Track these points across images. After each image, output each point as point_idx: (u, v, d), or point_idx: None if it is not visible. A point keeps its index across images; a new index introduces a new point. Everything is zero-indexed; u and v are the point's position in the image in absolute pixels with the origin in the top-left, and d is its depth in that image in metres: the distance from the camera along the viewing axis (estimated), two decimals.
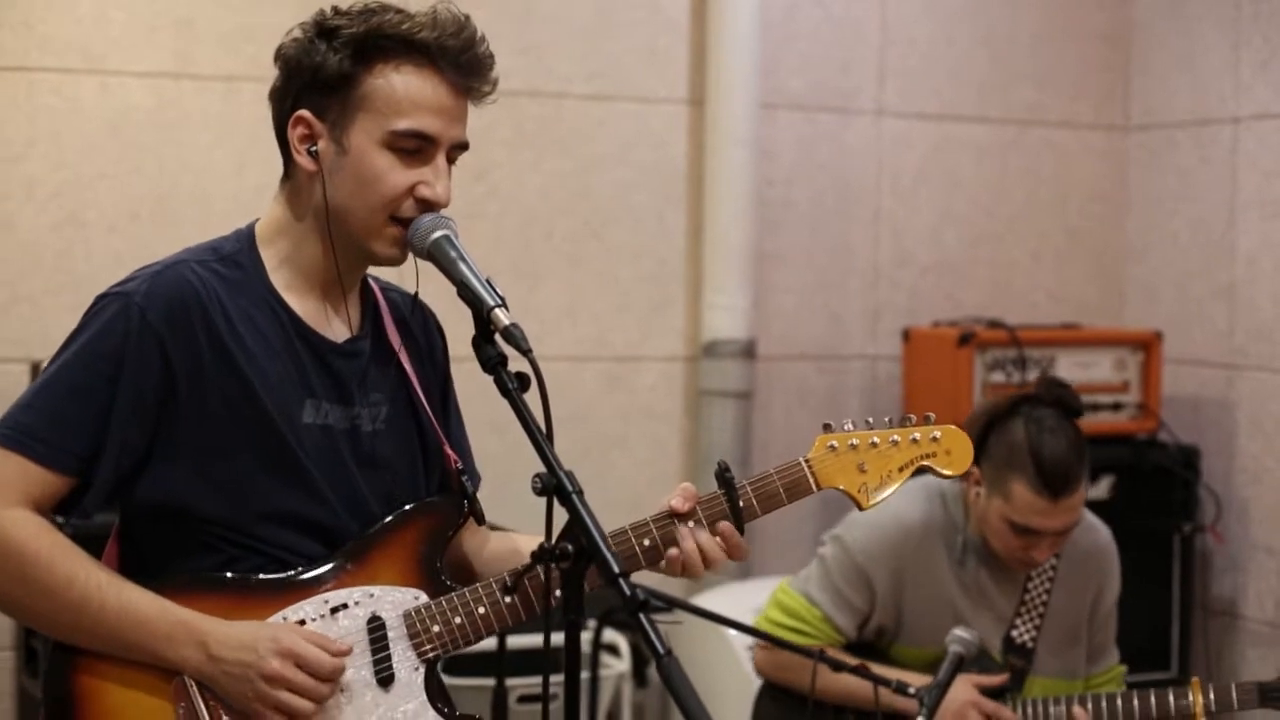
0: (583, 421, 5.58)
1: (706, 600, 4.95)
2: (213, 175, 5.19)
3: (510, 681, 4.02)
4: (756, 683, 4.33)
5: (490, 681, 3.96)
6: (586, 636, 4.96)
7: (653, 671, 5.49)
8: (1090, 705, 3.98)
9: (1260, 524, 5.78)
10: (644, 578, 2.62)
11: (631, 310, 5.72)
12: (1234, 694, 3.97)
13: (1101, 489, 5.47)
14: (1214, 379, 5.96)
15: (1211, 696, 3.95)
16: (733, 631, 5.04)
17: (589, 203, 5.66)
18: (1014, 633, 4.09)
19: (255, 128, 5.19)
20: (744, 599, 5.08)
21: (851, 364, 6.02)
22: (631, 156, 5.71)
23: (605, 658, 5.17)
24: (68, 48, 5.07)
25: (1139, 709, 3.97)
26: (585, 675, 4.75)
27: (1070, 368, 5.51)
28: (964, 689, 3.93)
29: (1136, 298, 6.30)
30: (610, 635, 5.20)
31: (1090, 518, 4.18)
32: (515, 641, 4.23)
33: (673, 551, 2.78)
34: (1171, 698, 3.97)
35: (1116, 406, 5.67)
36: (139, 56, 5.14)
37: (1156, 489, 5.63)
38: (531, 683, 4.68)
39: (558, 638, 2.42)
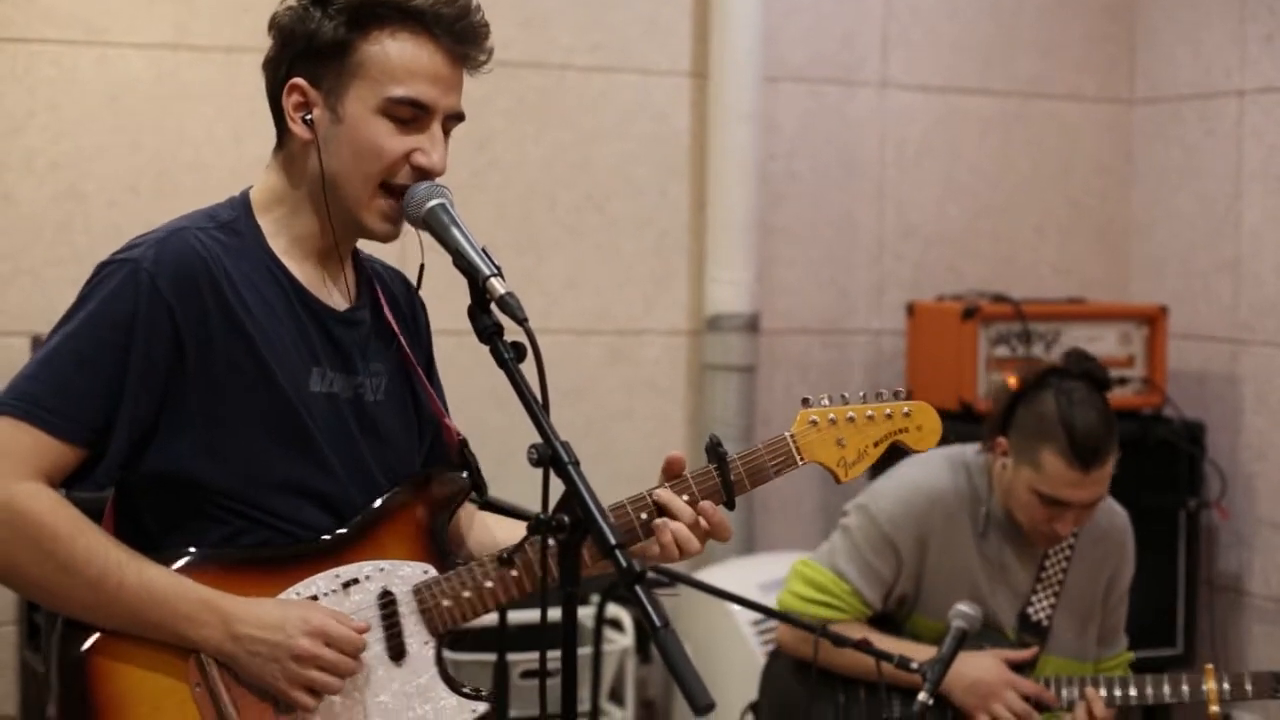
0: (586, 395, 5.56)
1: (710, 575, 4.94)
2: (212, 147, 5.17)
3: (512, 656, 4.00)
4: (759, 657, 4.32)
5: (492, 657, 3.94)
6: (589, 612, 4.94)
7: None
8: (1104, 688, 3.96)
9: (1266, 500, 5.76)
10: None
11: (634, 284, 5.70)
12: (1248, 683, 3.94)
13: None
14: (1219, 354, 5.93)
15: (1226, 685, 3.92)
16: (736, 606, 5.04)
17: (591, 175, 5.63)
18: (1030, 609, 4.07)
19: (254, 99, 5.09)
20: (748, 573, 5.08)
21: (855, 338, 5.99)
22: (634, 129, 5.68)
23: (609, 633, 5.16)
24: (68, 19, 5.04)
25: (1152, 693, 3.96)
26: (588, 650, 4.73)
27: (1075, 342, 5.47)
28: (996, 667, 3.93)
29: (1141, 272, 6.27)
30: (613, 610, 5.19)
31: (1110, 500, 4.16)
32: (516, 616, 4.22)
33: (654, 549, 2.78)
34: (1186, 685, 3.95)
35: (1122, 381, 5.64)
36: (138, 28, 5.11)
37: (1162, 464, 5.61)
38: (533, 658, 4.67)
39: (557, 612, 2.40)
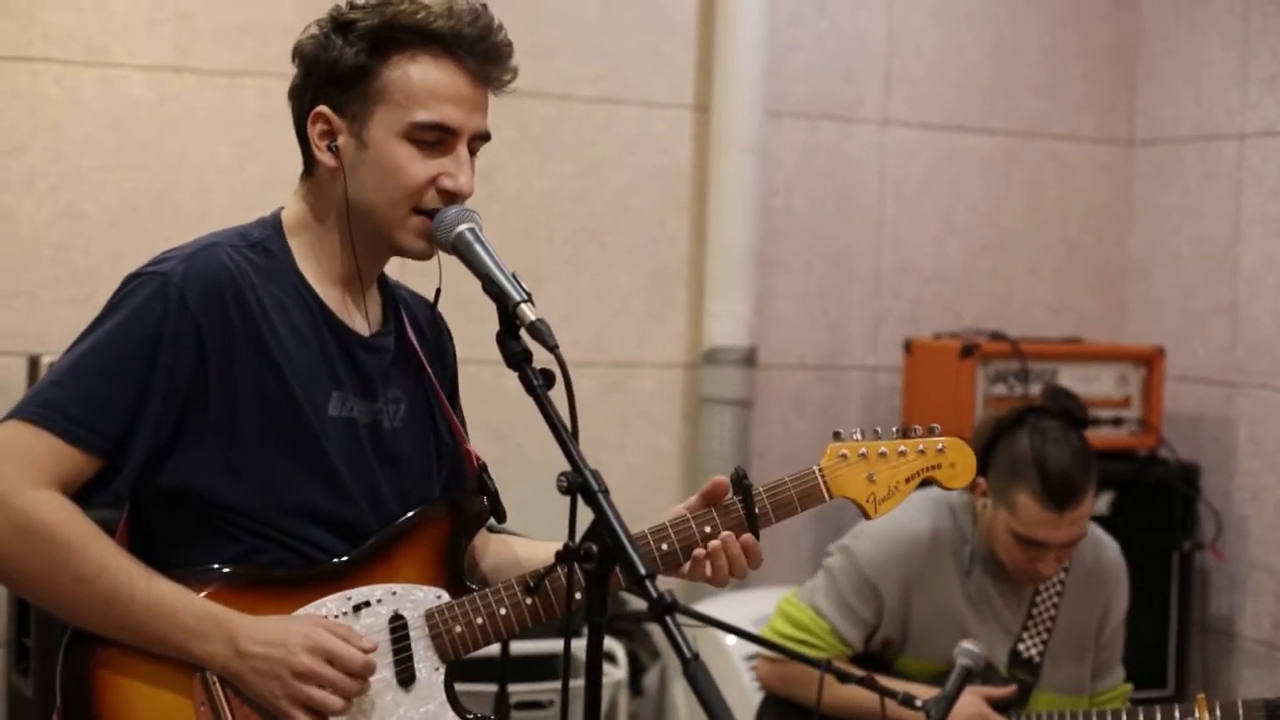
0: (580, 427, 5.51)
1: (704, 609, 4.89)
2: (213, 170, 5.14)
3: (512, 687, 3.97)
4: (754, 693, 4.30)
5: (492, 687, 3.91)
6: (582, 644, 4.91)
7: (648, 680, 5.45)
8: None
9: (1259, 542, 5.76)
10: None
11: (631, 315, 5.69)
12: (1240, 711, 3.93)
13: (1101, 505, 5.44)
14: (1215, 396, 5.93)
15: (1218, 715, 3.91)
16: (732, 641, 5.02)
17: (591, 206, 5.62)
18: (1020, 646, 4.06)
19: (257, 122, 5.18)
20: (740, 609, 5.04)
21: (851, 374, 5.99)
22: (635, 160, 5.67)
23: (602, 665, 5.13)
24: (70, 39, 5.02)
25: None
26: (580, 683, 4.69)
27: (1072, 382, 5.47)
28: (973, 701, 3.90)
29: (1138, 313, 6.28)
30: (607, 643, 5.16)
31: (1099, 533, 4.15)
32: (518, 647, 4.19)
33: (697, 572, 2.79)
34: (1178, 714, 3.93)
35: (1117, 422, 5.64)
36: (141, 49, 5.09)
37: (1156, 505, 5.61)
38: (532, 689, 4.65)
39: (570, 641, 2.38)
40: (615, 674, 5.17)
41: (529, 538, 3.01)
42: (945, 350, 5.57)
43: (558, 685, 2.38)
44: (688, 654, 2.19)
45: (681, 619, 2.24)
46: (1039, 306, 6.25)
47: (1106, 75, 6.31)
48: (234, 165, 5.13)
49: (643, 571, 2.25)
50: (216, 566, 2.64)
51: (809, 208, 5.92)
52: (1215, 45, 6.00)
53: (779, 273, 5.86)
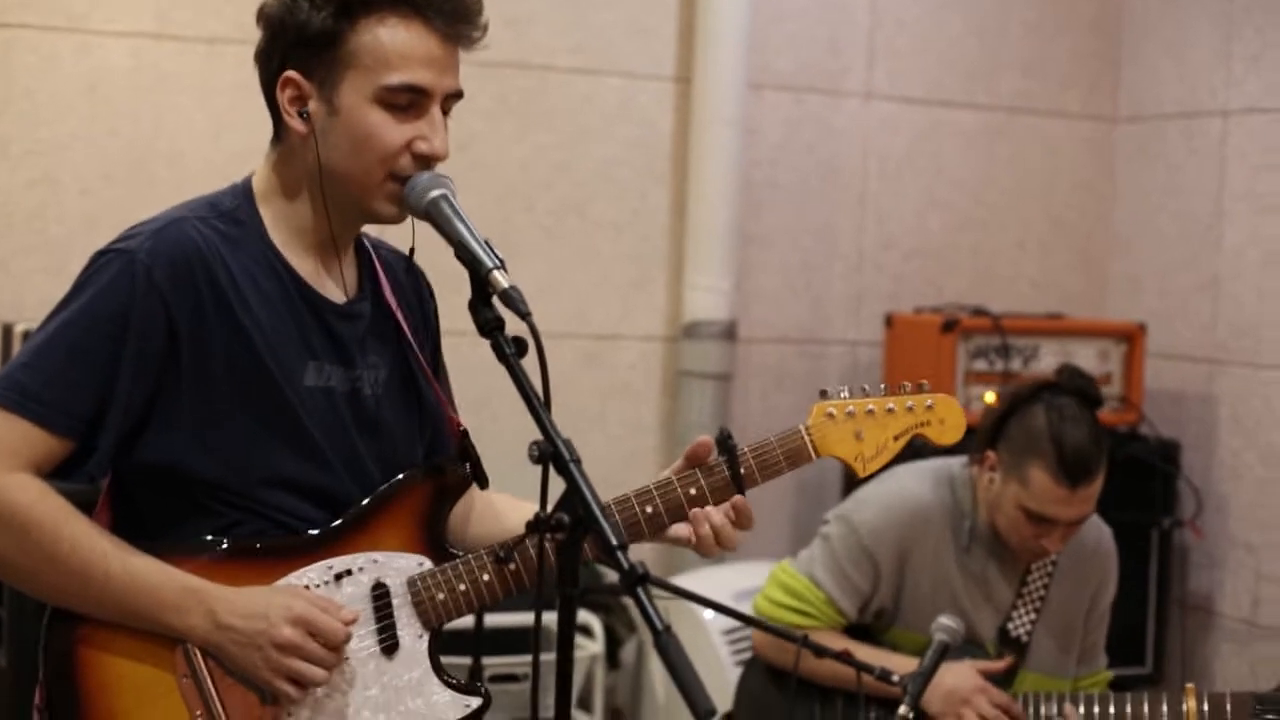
0: (559, 399, 5.40)
1: (682, 583, 4.88)
2: (189, 138, 5.10)
3: (487, 660, 3.95)
4: (732, 668, 4.29)
5: (467, 660, 3.89)
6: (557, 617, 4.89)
7: (625, 653, 5.43)
8: (1082, 705, 3.93)
9: (1238, 520, 5.75)
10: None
11: (612, 288, 5.66)
12: (1228, 704, 3.92)
13: None
14: (1196, 373, 5.92)
15: (1205, 706, 3.90)
16: (709, 616, 5.00)
17: (571, 178, 5.59)
18: (1010, 624, 4.04)
19: (234, 91, 5.13)
20: (720, 582, 5.03)
21: (832, 348, 5.96)
22: (616, 132, 5.64)
23: (578, 639, 5.12)
24: (48, 6, 4.98)
25: (1131, 711, 3.93)
26: (555, 657, 4.68)
27: (1054, 357, 5.45)
28: (969, 676, 3.90)
29: (1120, 289, 6.26)
30: (584, 616, 5.15)
31: (1094, 516, 4.14)
32: (493, 620, 4.17)
33: (683, 531, 2.75)
34: (1165, 703, 3.92)
35: None
36: (119, 16, 5.05)
37: (1136, 482, 5.58)
38: (506, 661, 4.62)
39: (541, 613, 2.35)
40: (591, 647, 5.15)
41: (519, 501, 2.97)
42: (926, 325, 5.55)
43: (544, 658, 2.37)
44: (659, 626, 2.15)
45: (655, 591, 2.21)
46: (1022, 282, 6.23)
47: (1091, 51, 6.29)
48: (211, 134, 5.09)
49: (613, 541, 2.21)
50: (196, 540, 2.62)
51: (791, 181, 5.89)
52: (1200, 22, 5.97)
53: (760, 246, 5.83)
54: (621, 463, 5.47)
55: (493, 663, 4.62)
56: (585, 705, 5.19)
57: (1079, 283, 6.31)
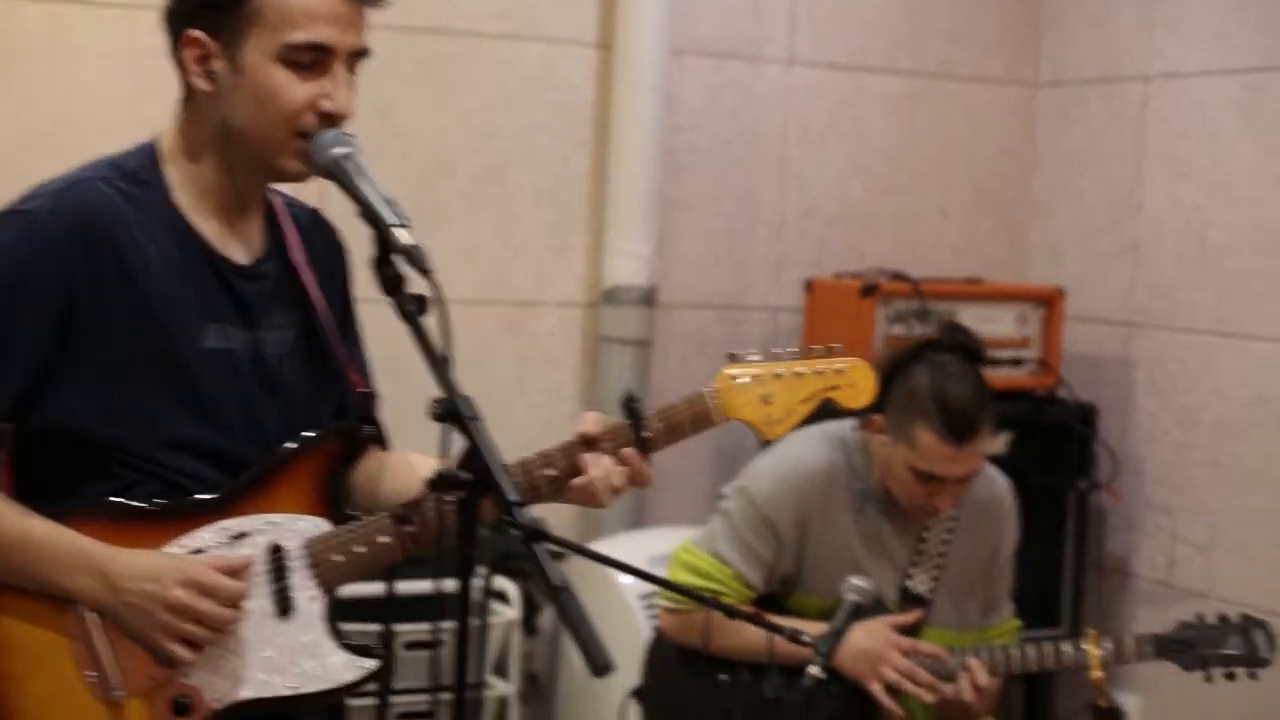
0: (480, 365, 5.50)
1: (599, 549, 4.89)
2: (107, 104, 5.05)
3: (399, 627, 3.94)
4: (647, 633, 4.30)
5: (377, 627, 3.88)
6: (476, 584, 4.89)
7: (543, 620, 5.43)
8: (986, 655, 3.97)
9: (1155, 483, 5.79)
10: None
11: (532, 254, 5.65)
12: (1130, 646, 3.97)
13: (999, 445, 5.44)
14: (1114, 337, 5.96)
15: (1108, 648, 3.95)
16: (626, 581, 5.00)
17: (492, 144, 5.57)
18: (910, 583, 4.07)
19: (153, 56, 5.01)
20: (637, 547, 5.04)
21: (753, 314, 5.97)
22: (537, 98, 5.62)
23: (495, 605, 5.12)
24: None
25: (1035, 659, 3.97)
26: (475, 623, 4.68)
27: (972, 322, 5.44)
28: (882, 633, 3.93)
29: (1041, 254, 6.29)
30: (501, 583, 5.15)
31: (990, 469, 4.16)
32: (409, 587, 4.16)
33: (577, 480, 2.73)
34: (1068, 649, 3.96)
35: (1017, 362, 5.65)
36: None
37: (1054, 445, 5.62)
38: (420, 629, 4.61)
39: (452, 581, 2.35)
40: (508, 614, 5.14)
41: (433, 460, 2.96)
42: (845, 290, 5.56)
43: (448, 624, 2.37)
44: (556, 583, 2.17)
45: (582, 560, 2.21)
46: (943, 248, 6.25)
47: (1014, 17, 6.30)
48: (127, 99, 5.04)
49: (510, 497, 2.22)
50: (92, 501, 2.62)
51: (713, 147, 5.89)
52: None
53: (681, 212, 5.83)
54: (541, 429, 5.37)
55: (409, 630, 4.60)
56: (501, 671, 5.19)
57: (1000, 248, 6.34)
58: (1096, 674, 3.92)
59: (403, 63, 5.28)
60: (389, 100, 5.28)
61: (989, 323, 5.58)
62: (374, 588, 2.78)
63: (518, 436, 2.75)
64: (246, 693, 2.65)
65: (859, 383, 2.90)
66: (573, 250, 5.70)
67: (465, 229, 5.52)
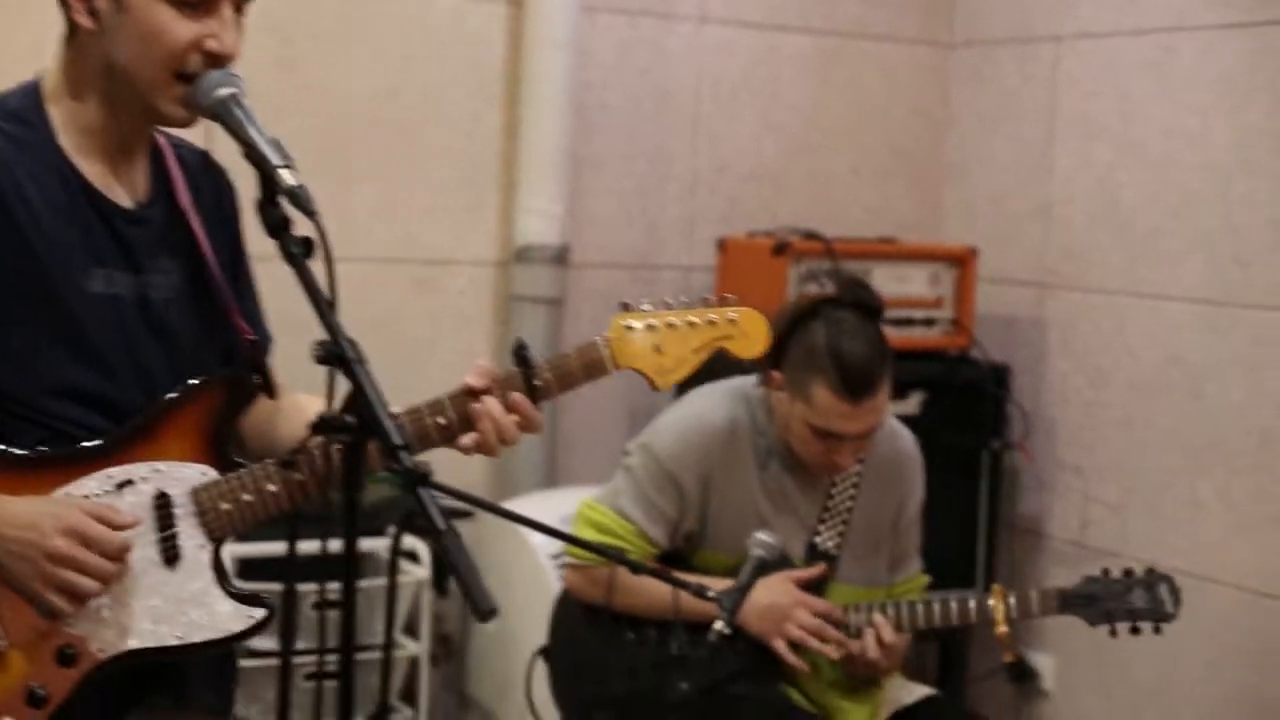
0: (391, 324, 5.46)
1: (513, 508, 4.85)
2: (8, 57, 4.97)
3: (306, 586, 3.88)
4: (557, 591, 4.27)
5: (279, 586, 3.84)
6: (385, 543, 4.85)
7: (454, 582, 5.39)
8: (892, 612, 3.95)
9: (1067, 444, 5.80)
10: (453, 478, 2.50)
11: (443, 213, 5.60)
12: (1036, 600, 3.97)
13: (912, 405, 5.45)
14: (1026, 297, 5.96)
15: (1013, 602, 3.95)
16: (537, 540, 4.97)
17: (403, 101, 5.51)
18: (817, 539, 4.05)
19: (56, 7, 5.01)
20: (549, 506, 4.98)
21: (665, 273, 5.94)
22: (448, 54, 5.56)
23: (404, 564, 5.08)
24: None
25: (940, 614, 3.96)
26: (384, 582, 4.63)
27: (885, 281, 5.46)
28: (786, 590, 3.91)
29: (954, 214, 6.29)
30: (410, 542, 5.10)
31: (895, 425, 4.14)
32: (309, 546, 4.11)
33: (466, 438, 2.70)
34: (973, 604, 3.96)
35: (929, 322, 5.64)
36: None
37: (967, 405, 5.62)
38: (331, 587, 4.54)
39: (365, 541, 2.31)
40: (417, 572, 5.11)
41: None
42: (758, 249, 5.54)
43: (359, 583, 2.34)
44: (440, 527, 2.13)
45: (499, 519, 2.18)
46: (857, 207, 6.23)
47: None
48: (30, 51, 4.94)
49: (395, 441, 2.19)
50: None
51: (625, 105, 5.85)
52: None
53: (593, 170, 5.79)
54: (453, 387, 5.41)
55: (314, 590, 4.55)
56: (412, 631, 5.15)
57: (914, 208, 6.33)
58: (1002, 629, 3.92)
59: (311, 17, 5.21)
60: (296, 55, 5.22)
61: (902, 282, 5.57)
62: (277, 547, 2.74)
63: (429, 395, 2.72)
64: (133, 642, 2.61)
65: (751, 332, 2.88)
66: (484, 209, 5.65)
67: (375, 187, 5.47)
